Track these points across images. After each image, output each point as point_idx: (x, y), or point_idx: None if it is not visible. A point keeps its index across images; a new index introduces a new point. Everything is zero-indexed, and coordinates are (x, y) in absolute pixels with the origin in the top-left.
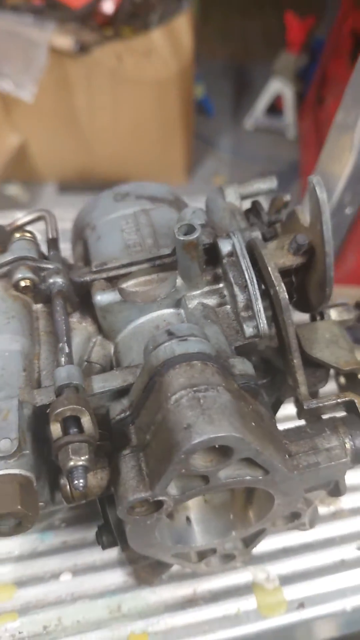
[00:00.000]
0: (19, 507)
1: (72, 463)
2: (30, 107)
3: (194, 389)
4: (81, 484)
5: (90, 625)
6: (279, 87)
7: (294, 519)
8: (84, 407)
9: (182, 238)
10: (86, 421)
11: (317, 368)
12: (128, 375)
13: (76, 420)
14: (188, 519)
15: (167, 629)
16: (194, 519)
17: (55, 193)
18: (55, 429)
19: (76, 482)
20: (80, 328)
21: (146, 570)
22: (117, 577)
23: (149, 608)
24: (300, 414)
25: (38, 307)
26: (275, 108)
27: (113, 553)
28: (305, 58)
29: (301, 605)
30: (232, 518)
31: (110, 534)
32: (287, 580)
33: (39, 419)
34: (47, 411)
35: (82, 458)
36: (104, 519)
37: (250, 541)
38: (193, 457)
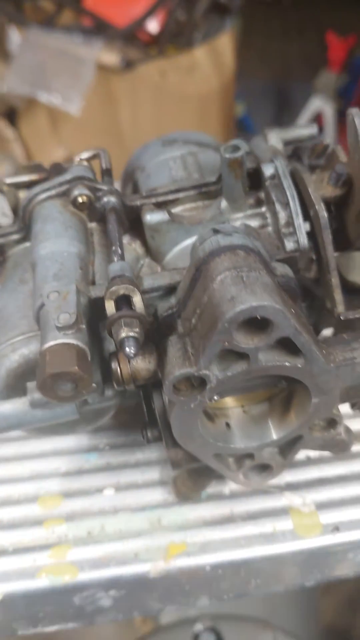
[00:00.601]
0: (76, 367)
1: (124, 334)
2: (76, 121)
3: (238, 269)
4: (132, 352)
5: (132, 533)
6: (319, 105)
7: (330, 428)
8: (135, 288)
9: (227, 156)
10: (137, 300)
11: (354, 296)
12: (175, 275)
13: (128, 301)
14: (227, 424)
15: (205, 542)
16: (233, 425)
17: None
18: (110, 306)
19: (127, 349)
20: (130, 249)
21: (186, 484)
22: (157, 494)
23: (188, 522)
24: (337, 328)
25: (92, 225)
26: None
27: (155, 474)
28: (346, 77)
29: (336, 528)
30: (271, 424)
31: (155, 427)
32: (322, 506)
33: (92, 312)
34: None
35: (134, 330)
36: (147, 415)
37: (287, 451)
38: (235, 332)
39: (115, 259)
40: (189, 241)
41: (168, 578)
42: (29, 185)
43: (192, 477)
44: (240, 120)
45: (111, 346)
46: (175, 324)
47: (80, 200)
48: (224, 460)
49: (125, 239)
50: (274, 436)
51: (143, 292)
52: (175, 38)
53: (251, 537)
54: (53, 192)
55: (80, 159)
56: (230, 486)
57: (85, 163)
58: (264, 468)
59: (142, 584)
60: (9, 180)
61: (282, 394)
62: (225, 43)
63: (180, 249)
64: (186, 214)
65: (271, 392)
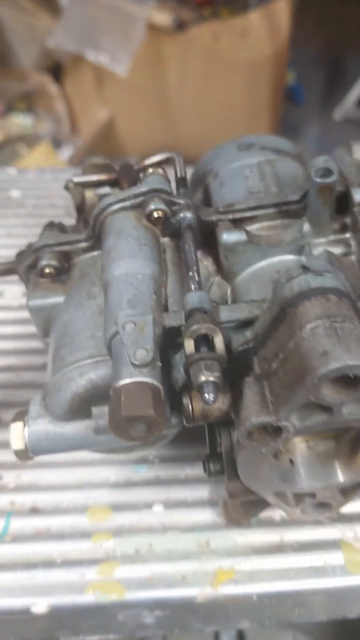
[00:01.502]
0: (152, 411)
1: (203, 378)
2: (122, 82)
3: (331, 319)
4: (211, 398)
5: (180, 555)
6: None
7: None
8: (217, 328)
9: (318, 180)
10: (218, 341)
11: None
12: (254, 308)
13: (208, 340)
14: (291, 461)
15: (253, 570)
16: (297, 462)
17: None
18: (189, 345)
19: (206, 396)
20: (201, 267)
21: (238, 510)
22: (206, 515)
23: (237, 548)
24: None
25: (165, 240)
26: None
27: (204, 492)
28: None
29: None
30: (337, 465)
31: (219, 462)
32: None
33: (164, 340)
34: (182, 328)
35: (214, 374)
36: (210, 449)
37: (349, 493)
38: (323, 385)
39: (193, 287)
40: (264, 263)
41: (214, 603)
42: (97, 185)
43: (245, 505)
44: (290, 89)
45: (179, 374)
46: (251, 361)
47: (156, 215)
48: (284, 496)
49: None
50: (341, 479)
51: (219, 323)
52: (230, 0)
53: (301, 569)
54: (128, 203)
55: (153, 164)
56: (281, 512)
57: (160, 171)
58: (323, 505)
59: (187, 607)
60: (77, 179)
61: (351, 432)
62: (281, 7)
63: (254, 271)
64: (263, 233)
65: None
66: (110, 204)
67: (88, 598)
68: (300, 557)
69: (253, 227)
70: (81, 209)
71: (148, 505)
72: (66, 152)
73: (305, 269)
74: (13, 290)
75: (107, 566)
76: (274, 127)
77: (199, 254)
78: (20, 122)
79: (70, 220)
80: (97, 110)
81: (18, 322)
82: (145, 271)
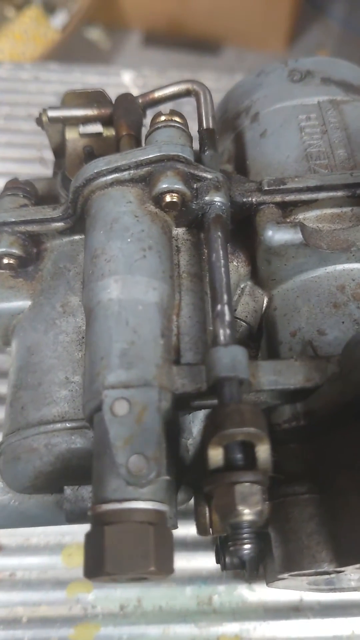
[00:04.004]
0: (153, 568)
1: (238, 518)
2: None
3: None
4: (246, 552)
5: (175, 616)
6: None
7: None
8: (263, 432)
9: None
10: (263, 451)
11: None
12: (314, 372)
13: (244, 445)
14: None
15: (264, 638)
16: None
17: (140, 44)
18: (216, 455)
19: (241, 547)
20: (230, 269)
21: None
22: (211, 562)
23: (246, 608)
24: None
25: (179, 232)
26: None
27: None
28: None
29: None
30: None
31: (237, 557)
32: None
33: (174, 408)
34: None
35: (254, 509)
36: (224, 537)
37: None
38: None
39: (222, 334)
40: (321, 272)
41: None
42: (83, 122)
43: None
44: None
45: (191, 439)
46: (301, 454)
47: (169, 199)
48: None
49: None
50: None
51: (256, 391)
52: None
53: (322, 639)
54: (127, 175)
55: (166, 98)
56: None
57: (178, 120)
58: None
59: None
60: (53, 113)
61: None
62: None
63: (305, 280)
64: (324, 225)
65: None
66: (100, 174)
67: None
68: (322, 622)
69: (309, 215)
70: (60, 153)
71: None
72: (59, 19)
73: None
74: None
75: (85, 628)
76: (295, 1)
77: (228, 247)
78: None
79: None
80: None
81: None
82: (149, 298)
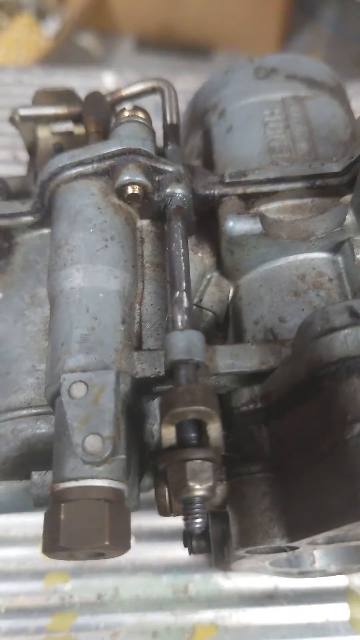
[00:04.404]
0: (107, 542)
1: (189, 494)
2: None
3: None
4: (197, 525)
5: (151, 604)
6: None
7: None
8: (213, 410)
9: None
10: (214, 429)
11: None
12: (269, 355)
13: (197, 424)
14: None
15: (239, 626)
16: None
17: (132, 50)
18: (169, 433)
19: (192, 522)
20: (195, 260)
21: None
22: (186, 551)
23: (221, 596)
24: None
25: (143, 223)
26: None
27: None
28: None
29: None
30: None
31: (204, 539)
32: None
33: (135, 393)
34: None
35: (204, 485)
36: None
37: None
38: None
39: (179, 319)
40: (282, 262)
41: None
42: (54, 120)
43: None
44: None
45: (155, 424)
46: (259, 434)
47: (131, 190)
48: (286, 572)
49: (190, 242)
50: None
51: (214, 374)
52: None
53: (297, 626)
54: (90, 168)
55: (132, 96)
56: None
57: (140, 116)
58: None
59: None
60: (24, 112)
61: None
62: None
63: (268, 270)
64: (285, 216)
65: None
66: (64, 168)
67: None
68: (296, 610)
69: (271, 207)
70: (34, 152)
71: None
72: (51, 26)
73: (355, 315)
74: None
75: (62, 618)
76: (286, 6)
77: (193, 240)
78: None
79: None
80: None
81: None
82: (111, 286)
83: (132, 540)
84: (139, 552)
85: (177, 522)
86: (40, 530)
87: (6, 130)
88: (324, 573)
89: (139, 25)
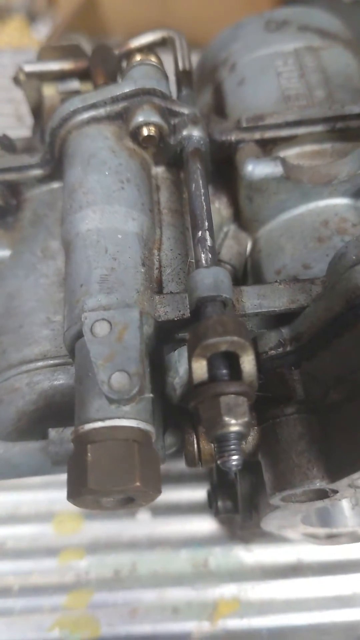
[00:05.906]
0: (138, 483)
1: (225, 429)
2: None
3: None
4: (234, 463)
5: (170, 579)
6: None
7: None
8: (247, 341)
9: None
10: (247, 362)
11: None
12: (298, 294)
13: (227, 358)
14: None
15: (263, 600)
16: (342, 504)
17: None
18: (200, 367)
19: (228, 459)
20: (212, 210)
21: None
22: (205, 525)
23: (243, 570)
24: None
25: (158, 171)
26: None
27: (202, 493)
28: None
29: None
30: None
31: (230, 499)
32: None
33: (157, 339)
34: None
35: (240, 420)
36: (217, 479)
37: None
38: None
39: (203, 257)
40: (303, 209)
41: None
42: (60, 77)
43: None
44: None
45: (177, 378)
46: (289, 377)
47: (146, 132)
48: (315, 534)
49: None
50: None
51: (241, 315)
52: None
53: (322, 599)
54: (102, 111)
55: (142, 48)
56: None
57: (153, 60)
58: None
59: None
60: (29, 68)
61: None
62: None
63: (289, 220)
64: (305, 162)
65: None
66: (76, 112)
67: (53, 636)
68: (322, 582)
69: (290, 153)
70: (38, 112)
71: (130, 512)
72: (42, 29)
73: None
74: None
75: (78, 595)
76: (278, 7)
77: (210, 190)
78: None
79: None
80: None
81: None
82: (129, 227)
83: (148, 515)
84: (155, 527)
85: (194, 494)
86: (52, 507)
87: (3, 111)
88: (352, 537)
89: (130, 27)
